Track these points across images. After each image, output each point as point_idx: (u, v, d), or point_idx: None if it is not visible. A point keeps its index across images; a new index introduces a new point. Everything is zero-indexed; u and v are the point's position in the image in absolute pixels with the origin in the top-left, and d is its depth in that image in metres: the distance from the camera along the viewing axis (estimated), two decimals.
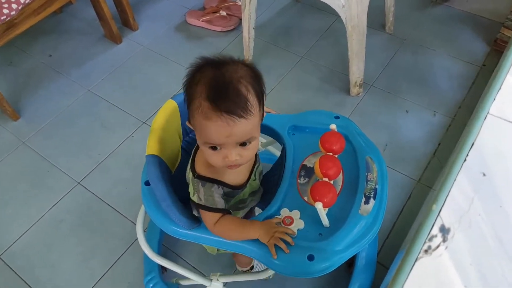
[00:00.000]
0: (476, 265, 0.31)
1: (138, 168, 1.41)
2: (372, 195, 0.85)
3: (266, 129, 1.00)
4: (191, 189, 0.82)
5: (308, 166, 0.92)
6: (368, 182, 0.87)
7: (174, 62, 1.79)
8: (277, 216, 0.84)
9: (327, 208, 0.81)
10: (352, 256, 0.81)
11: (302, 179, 0.89)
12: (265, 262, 0.82)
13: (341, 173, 0.88)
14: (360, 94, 1.60)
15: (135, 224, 1.23)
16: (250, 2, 1.45)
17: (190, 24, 1.94)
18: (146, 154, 0.87)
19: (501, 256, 0.31)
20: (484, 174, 0.37)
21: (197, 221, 0.85)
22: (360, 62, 1.51)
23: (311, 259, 0.78)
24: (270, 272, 1.01)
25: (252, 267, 1.17)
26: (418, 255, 0.32)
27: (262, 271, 1.03)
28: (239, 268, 1.17)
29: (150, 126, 1.52)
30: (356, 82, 1.57)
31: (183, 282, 1.13)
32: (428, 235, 0.34)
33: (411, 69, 1.69)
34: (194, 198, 0.80)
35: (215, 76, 0.69)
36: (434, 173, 1.37)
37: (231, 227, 0.81)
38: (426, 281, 0.31)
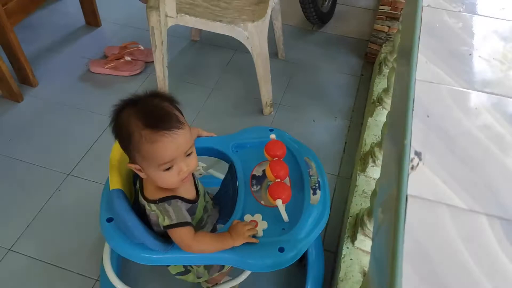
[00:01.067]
0: (447, 171, 0.47)
1: (72, 220, 1.38)
2: (317, 186, 1.00)
3: (211, 151, 1.09)
4: (160, 218, 0.85)
5: (257, 175, 1.03)
6: (311, 177, 1.02)
7: (86, 110, 1.78)
8: (235, 219, 0.92)
9: (285, 205, 0.94)
10: (311, 243, 0.94)
11: (254, 187, 1.00)
12: (242, 265, 0.90)
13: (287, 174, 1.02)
14: (272, 113, 1.80)
15: (84, 276, 1.21)
16: (162, 43, 1.56)
17: (94, 72, 1.95)
18: (110, 189, 0.88)
19: (462, 159, 0.47)
20: (428, 116, 0.54)
21: (170, 243, 0.89)
22: (267, 85, 1.71)
23: (282, 251, 0.87)
24: (237, 282, 1.08)
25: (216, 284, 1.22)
26: (408, 173, 0.47)
27: (228, 281, 1.10)
28: (205, 285, 1.21)
29: (76, 177, 1.50)
30: (267, 103, 1.76)
31: None
32: (409, 160, 0.48)
33: (308, 86, 1.96)
34: (166, 222, 0.83)
35: (141, 108, 0.79)
36: (348, 166, 1.61)
37: (208, 241, 0.87)
38: (423, 190, 0.46)
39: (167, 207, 0.83)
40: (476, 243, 0.40)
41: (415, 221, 0.41)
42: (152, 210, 0.86)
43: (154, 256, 0.88)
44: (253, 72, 1.95)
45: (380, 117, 1.58)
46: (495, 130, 0.51)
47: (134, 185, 0.97)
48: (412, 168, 0.46)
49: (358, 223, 1.22)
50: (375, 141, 1.47)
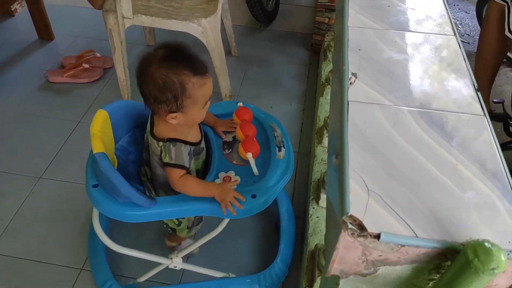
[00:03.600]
0: (376, 83, 0.61)
1: (51, 219, 1.42)
2: (282, 145, 1.13)
3: None
4: (163, 154, 0.96)
5: (228, 141, 1.15)
6: (276, 138, 1.15)
7: (49, 118, 1.81)
8: (224, 174, 1.03)
9: (255, 159, 1.06)
10: (279, 191, 1.05)
11: (226, 151, 1.12)
12: (220, 214, 0.99)
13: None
14: None
15: (70, 268, 1.32)
16: (121, 43, 1.64)
17: (53, 82, 1.99)
18: (93, 152, 0.92)
19: (386, 74, 0.62)
20: (359, 49, 0.68)
21: (153, 200, 0.97)
22: (225, 77, 1.83)
23: (254, 197, 0.98)
24: (216, 233, 1.14)
25: (179, 244, 1.31)
26: (347, 88, 0.60)
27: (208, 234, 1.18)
28: (168, 243, 1.31)
29: (48, 179, 1.54)
30: (226, 95, 1.88)
31: (140, 279, 1.21)
32: (348, 78, 0.62)
33: (262, 78, 2.11)
34: (166, 159, 0.95)
35: (180, 60, 0.90)
36: (306, 143, 1.76)
37: (193, 183, 0.98)
38: (359, 97, 0.59)
39: (171, 147, 0.95)
40: (400, 124, 0.54)
41: (355, 117, 0.55)
42: (158, 146, 0.97)
43: (139, 212, 0.95)
44: (209, 69, 2.07)
45: (329, 95, 1.75)
46: (406, 52, 0.67)
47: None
48: (350, 84, 0.60)
49: (320, 185, 1.37)
50: (327, 116, 1.63)
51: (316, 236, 1.27)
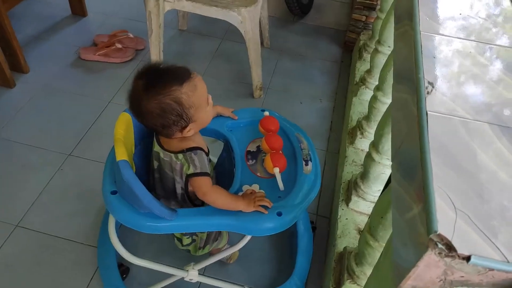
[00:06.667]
0: (455, 94, 0.59)
1: (77, 197, 1.43)
2: (308, 158, 1.08)
3: (208, 131, 1.12)
4: (185, 167, 0.93)
5: (251, 151, 1.10)
6: (303, 150, 1.10)
7: (80, 95, 1.82)
8: (249, 188, 1.00)
9: (280, 174, 1.02)
10: (305, 208, 1.01)
11: (250, 161, 1.07)
12: (243, 231, 0.97)
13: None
14: (262, 96, 1.90)
15: (94, 247, 1.30)
16: (159, 27, 1.63)
17: (85, 59, 1.99)
18: (117, 160, 0.88)
19: (465, 85, 0.60)
20: (434, 57, 0.66)
21: (174, 211, 0.92)
22: (258, 69, 1.81)
23: (280, 215, 0.93)
24: (238, 248, 1.11)
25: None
26: (425, 97, 0.58)
27: (228, 248, 1.15)
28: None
29: (76, 157, 1.54)
30: (257, 86, 1.86)
31: None
32: (425, 88, 0.60)
33: (293, 72, 2.08)
34: (190, 170, 0.92)
35: (162, 79, 0.86)
36: (335, 142, 1.74)
37: (222, 194, 0.94)
38: (437, 108, 0.57)
39: (193, 156, 0.92)
40: (483, 140, 0.52)
41: (435, 129, 0.53)
42: (178, 159, 0.93)
43: (159, 224, 0.90)
44: (240, 59, 2.06)
45: (363, 96, 1.72)
46: (482, 64, 0.64)
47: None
48: (427, 93, 0.58)
49: (351, 187, 1.35)
50: (361, 117, 1.60)
51: (345, 238, 1.26)
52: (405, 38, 0.73)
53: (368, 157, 1.23)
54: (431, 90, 0.58)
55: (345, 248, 1.20)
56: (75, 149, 1.60)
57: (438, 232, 0.42)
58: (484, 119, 0.55)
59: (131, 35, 2.09)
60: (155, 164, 1.00)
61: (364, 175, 1.28)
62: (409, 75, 0.65)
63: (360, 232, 1.27)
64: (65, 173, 1.52)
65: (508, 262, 0.41)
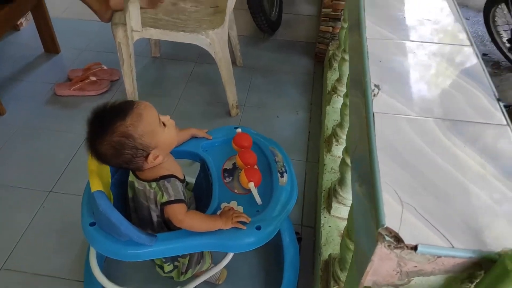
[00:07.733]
0: (400, 95, 0.62)
1: (60, 233, 1.42)
2: (284, 170, 1.10)
3: (184, 153, 1.15)
4: (159, 195, 0.93)
5: (228, 168, 1.12)
6: (277, 163, 1.12)
7: (58, 131, 1.82)
8: (227, 205, 1.01)
9: (257, 188, 1.03)
10: (284, 219, 1.01)
11: (227, 179, 1.09)
12: (225, 249, 0.98)
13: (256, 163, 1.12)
14: (239, 113, 1.93)
15: (81, 282, 1.28)
16: (130, 56, 1.65)
17: (61, 95, 2.00)
18: (92, 191, 0.89)
19: (409, 84, 0.63)
20: (380, 61, 0.69)
21: (154, 237, 0.92)
22: (232, 87, 1.84)
23: (259, 229, 0.94)
24: (221, 267, 1.14)
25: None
26: (372, 100, 0.61)
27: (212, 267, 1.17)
28: None
29: (57, 193, 1.54)
30: (233, 105, 1.89)
31: None
32: (371, 90, 0.63)
33: (268, 87, 2.12)
34: (164, 199, 0.92)
35: (108, 118, 0.88)
36: (314, 152, 1.77)
37: (199, 218, 0.94)
38: (383, 108, 0.60)
39: (166, 184, 0.92)
40: (427, 135, 0.55)
41: (382, 128, 0.56)
42: (152, 188, 0.94)
43: (140, 251, 0.91)
44: (215, 80, 2.09)
45: (336, 104, 1.76)
46: (425, 63, 0.68)
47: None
48: (374, 95, 0.61)
49: (331, 194, 1.37)
50: (335, 124, 1.64)
51: (329, 245, 1.27)
52: (355, 45, 0.77)
53: (343, 163, 1.25)
54: (377, 93, 0.61)
55: (330, 255, 1.21)
56: (55, 185, 1.59)
57: (385, 226, 0.44)
58: (428, 115, 0.58)
59: (104, 67, 2.11)
60: (130, 193, 1.01)
61: (341, 181, 1.31)
62: (359, 80, 0.68)
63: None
64: (47, 209, 1.51)
65: (453, 247, 0.43)
